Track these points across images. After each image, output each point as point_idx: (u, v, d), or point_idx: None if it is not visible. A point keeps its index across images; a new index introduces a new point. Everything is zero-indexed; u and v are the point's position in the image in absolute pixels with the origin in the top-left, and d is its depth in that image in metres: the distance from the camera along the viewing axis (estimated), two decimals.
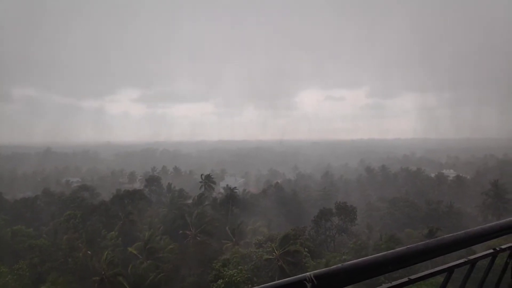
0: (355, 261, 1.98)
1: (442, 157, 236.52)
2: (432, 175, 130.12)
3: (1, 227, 57.47)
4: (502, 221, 2.84)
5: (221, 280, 35.12)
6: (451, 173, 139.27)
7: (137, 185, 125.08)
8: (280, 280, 1.82)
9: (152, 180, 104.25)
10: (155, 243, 51.16)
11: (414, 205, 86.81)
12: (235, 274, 35.56)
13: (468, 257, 2.54)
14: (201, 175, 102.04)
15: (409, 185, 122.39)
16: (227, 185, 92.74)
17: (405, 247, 2.22)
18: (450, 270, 2.43)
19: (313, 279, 1.75)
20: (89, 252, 49.40)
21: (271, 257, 39.34)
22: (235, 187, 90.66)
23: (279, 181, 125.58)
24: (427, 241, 2.40)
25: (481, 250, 2.83)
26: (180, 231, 61.17)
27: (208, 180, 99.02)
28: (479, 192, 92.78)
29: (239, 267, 37.46)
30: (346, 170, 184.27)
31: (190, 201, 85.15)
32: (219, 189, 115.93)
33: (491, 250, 2.68)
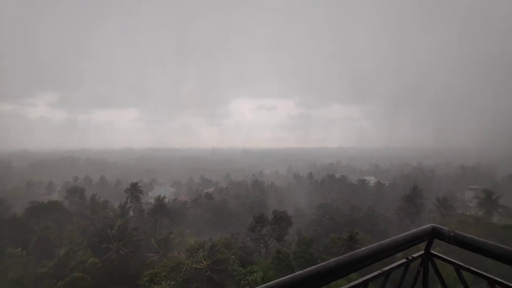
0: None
1: (364, 164, 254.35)
2: (355, 182, 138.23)
3: None
4: (414, 230, 2.95)
5: None
6: (372, 180, 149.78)
7: (56, 197, 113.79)
8: None
9: (73, 191, 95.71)
10: (72, 259, 46.51)
11: (339, 210, 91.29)
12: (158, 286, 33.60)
13: (383, 269, 2.62)
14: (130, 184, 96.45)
15: (334, 192, 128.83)
16: (159, 195, 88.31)
17: (315, 266, 2.19)
18: (364, 284, 2.44)
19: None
20: None
21: (199, 267, 37.85)
22: (165, 197, 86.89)
23: (211, 190, 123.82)
24: (339, 257, 2.36)
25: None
26: (103, 245, 56.72)
27: (135, 190, 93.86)
28: (396, 197, 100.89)
29: (168, 281, 35.48)
30: (277, 177, 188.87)
31: (113, 213, 79.77)
32: (148, 199, 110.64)
33: (404, 260, 2.84)
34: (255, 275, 36.36)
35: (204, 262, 38.02)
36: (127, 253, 54.28)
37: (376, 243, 2.60)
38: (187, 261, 39.38)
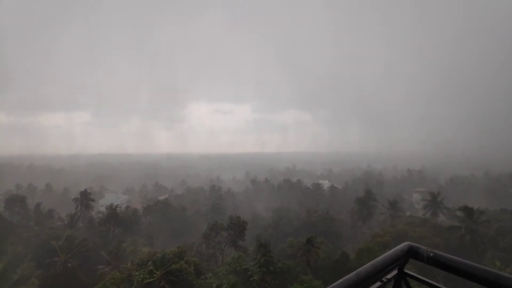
0: None
1: (318, 169, 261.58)
2: (310, 185, 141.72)
3: None
4: (390, 252, 2.81)
5: None
6: (326, 184, 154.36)
7: None
8: None
9: (13, 200, 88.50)
10: (13, 274, 42.96)
11: (295, 214, 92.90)
12: None
13: None
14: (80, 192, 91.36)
15: (291, 196, 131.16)
16: (111, 204, 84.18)
17: None
18: None
19: None
20: None
21: (152, 279, 36.44)
22: (117, 205, 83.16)
23: (166, 197, 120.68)
24: None
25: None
26: (49, 258, 53.06)
27: (85, 198, 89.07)
28: (349, 200, 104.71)
29: None
30: (234, 183, 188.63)
31: (61, 223, 75.11)
32: (99, 207, 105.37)
33: (379, 283, 2.68)
34: (210, 281, 35.85)
35: (157, 273, 36.75)
36: (75, 265, 51.31)
37: (354, 272, 2.44)
38: (136, 273, 37.80)
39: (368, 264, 2.57)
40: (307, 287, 33.74)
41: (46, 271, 49.83)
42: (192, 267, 40.49)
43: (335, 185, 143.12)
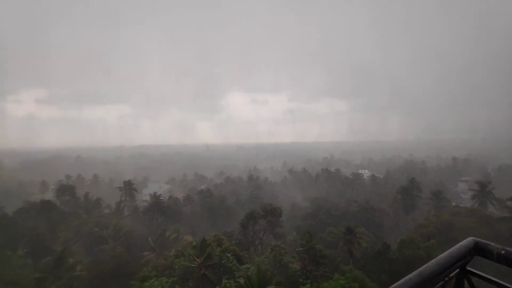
0: None
1: (357, 158, 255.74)
2: (349, 175, 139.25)
3: None
4: (453, 249, 2.54)
5: None
6: (366, 173, 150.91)
7: (50, 196, 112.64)
8: None
9: (64, 190, 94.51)
10: (68, 260, 46.11)
11: (334, 204, 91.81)
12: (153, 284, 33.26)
13: None
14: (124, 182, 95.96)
15: (329, 185, 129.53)
16: (155, 192, 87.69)
17: None
18: None
19: None
20: None
21: (193, 265, 37.58)
22: (160, 194, 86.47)
23: (206, 186, 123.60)
24: None
25: None
26: (98, 245, 56.38)
27: (129, 187, 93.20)
28: (390, 189, 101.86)
29: (163, 278, 35.02)
30: (271, 173, 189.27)
31: (108, 211, 79.21)
32: (142, 197, 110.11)
33: (441, 282, 2.45)
34: (250, 271, 36.15)
35: (197, 260, 37.79)
36: (123, 252, 53.98)
37: (416, 272, 2.24)
38: (178, 260, 39.05)
39: (430, 262, 2.37)
40: (348, 277, 33.37)
41: (95, 257, 53.02)
42: (231, 255, 41.21)
43: (375, 175, 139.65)
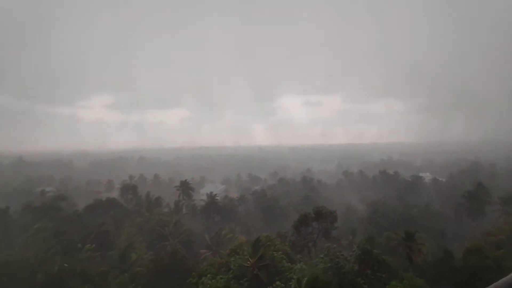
0: None
1: (416, 160, 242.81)
2: (409, 178, 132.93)
3: None
4: None
5: None
6: (427, 176, 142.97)
7: (115, 194, 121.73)
8: None
9: (127, 189, 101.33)
10: (131, 255, 49.65)
11: (392, 207, 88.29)
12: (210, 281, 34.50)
13: None
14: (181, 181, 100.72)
15: (387, 188, 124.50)
16: (211, 192, 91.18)
17: None
18: None
19: None
20: (65, 265, 47.20)
21: (246, 265, 38.36)
22: (216, 194, 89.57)
23: (260, 187, 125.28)
24: None
25: None
26: (159, 242, 59.78)
27: (186, 187, 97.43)
28: (454, 194, 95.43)
29: (218, 276, 36.26)
30: (325, 175, 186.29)
31: (168, 210, 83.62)
32: (200, 196, 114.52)
33: None
34: (303, 272, 35.95)
35: (250, 260, 38.54)
36: (182, 249, 56.57)
37: (492, 286, 1.96)
38: (233, 259, 40.00)
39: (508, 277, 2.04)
40: (406, 284, 32.08)
41: (156, 253, 55.82)
42: (283, 256, 41.43)
43: (438, 178, 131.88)
